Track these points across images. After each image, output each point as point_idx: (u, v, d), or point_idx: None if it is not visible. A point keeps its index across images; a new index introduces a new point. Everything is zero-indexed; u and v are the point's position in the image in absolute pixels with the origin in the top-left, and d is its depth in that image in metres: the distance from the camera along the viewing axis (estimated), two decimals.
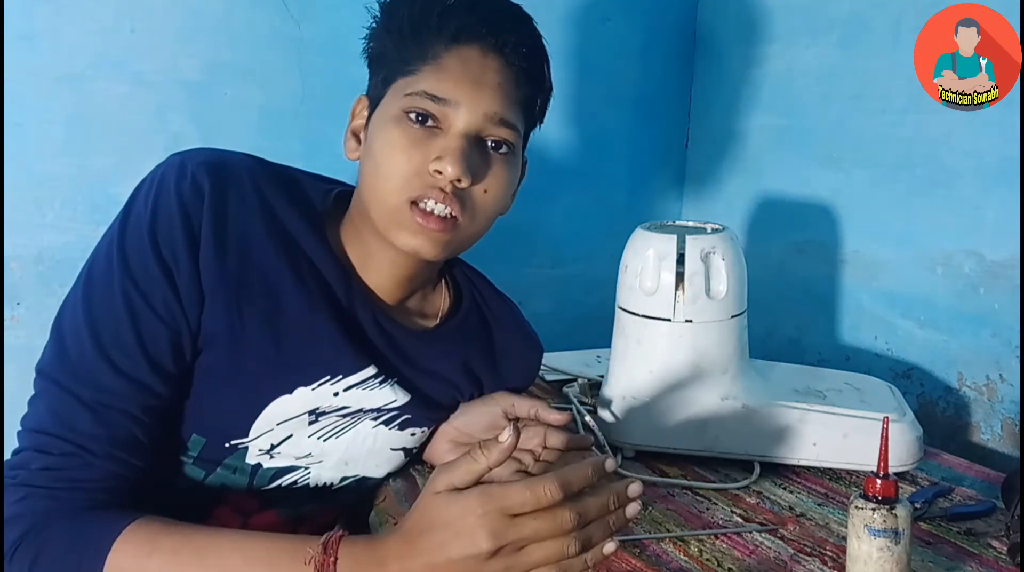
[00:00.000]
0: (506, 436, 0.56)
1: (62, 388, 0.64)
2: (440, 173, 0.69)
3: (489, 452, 0.56)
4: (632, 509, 0.58)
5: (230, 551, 0.61)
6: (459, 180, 0.69)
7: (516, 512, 0.54)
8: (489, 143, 0.72)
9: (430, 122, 0.70)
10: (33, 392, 0.66)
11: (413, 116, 0.70)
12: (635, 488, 0.59)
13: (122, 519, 0.62)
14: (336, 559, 0.58)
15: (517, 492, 0.54)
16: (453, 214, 0.70)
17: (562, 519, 0.55)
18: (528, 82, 0.74)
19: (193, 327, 0.68)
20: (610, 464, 0.58)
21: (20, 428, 0.65)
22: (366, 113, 0.76)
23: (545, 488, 0.54)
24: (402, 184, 0.69)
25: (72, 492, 0.62)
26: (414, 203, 0.70)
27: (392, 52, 0.73)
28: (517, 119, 0.73)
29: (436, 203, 0.69)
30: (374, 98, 0.75)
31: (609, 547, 0.58)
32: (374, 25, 0.76)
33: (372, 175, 0.71)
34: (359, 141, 0.76)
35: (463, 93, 0.70)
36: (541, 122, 0.81)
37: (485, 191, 0.72)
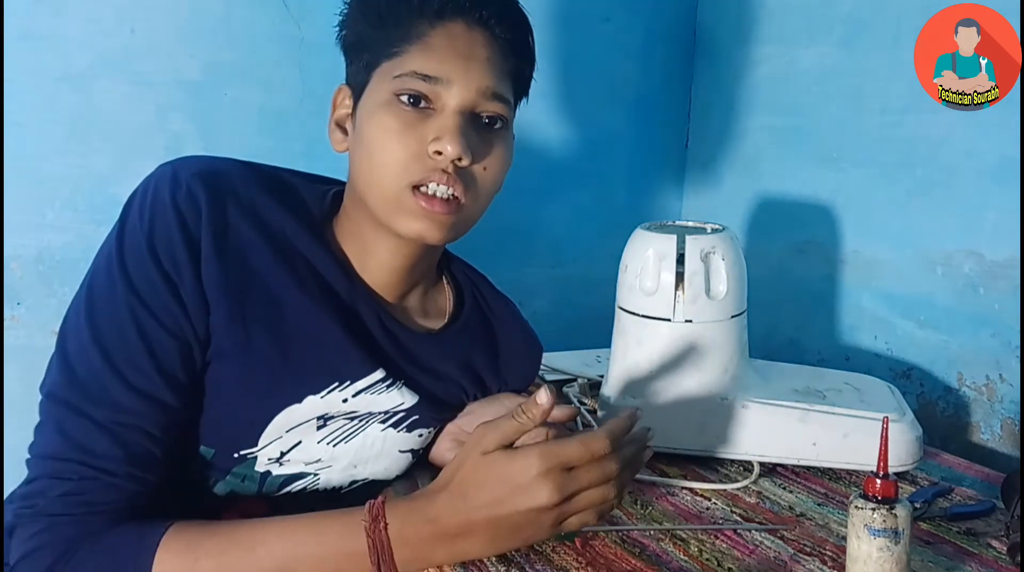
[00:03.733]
0: (544, 397, 0.60)
1: (74, 410, 0.62)
2: (440, 154, 0.67)
3: (533, 413, 0.61)
4: (648, 453, 0.66)
5: (276, 538, 0.61)
6: (460, 159, 0.67)
7: (573, 466, 0.59)
8: (484, 119, 0.71)
9: (423, 103, 0.69)
10: (40, 418, 0.64)
11: (405, 99, 0.68)
12: (650, 434, 0.66)
13: (156, 529, 0.61)
14: (386, 524, 0.61)
15: (574, 448, 0.59)
16: (456, 195, 0.69)
17: (609, 469, 0.60)
18: (515, 54, 0.73)
19: (201, 336, 0.67)
20: (640, 413, 0.66)
21: (29, 456, 0.64)
22: (350, 102, 0.74)
23: (598, 442, 0.60)
24: (401, 170, 0.68)
25: (96, 516, 0.61)
26: (416, 188, 0.68)
27: (372, 36, 0.71)
28: (508, 92, 0.72)
29: (439, 186, 0.68)
30: (356, 85, 0.73)
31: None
32: (347, 12, 0.75)
33: (366, 163, 0.70)
34: (345, 132, 0.75)
35: (454, 69, 0.68)
36: (527, 95, 0.80)
37: (485, 169, 0.71)
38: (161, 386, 0.65)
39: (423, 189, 0.68)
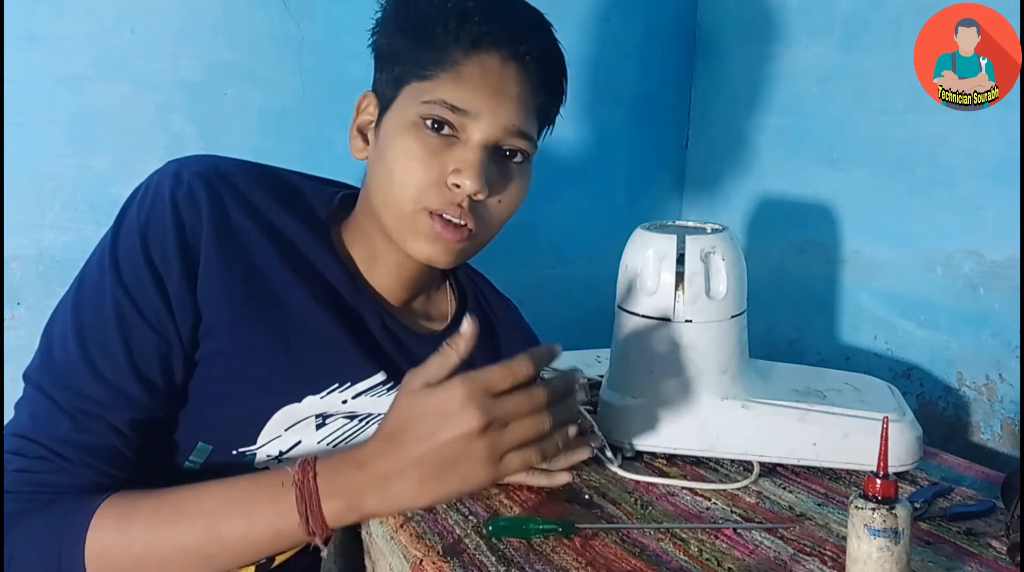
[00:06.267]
0: (467, 325, 0.60)
1: (43, 393, 0.63)
2: (458, 186, 0.68)
3: (457, 344, 0.60)
4: (580, 393, 0.64)
5: (207, 496, 0.61)
6: (477, 194, 0.68)
7: (497, 390, 0.58)
8: (505, 152, 0.72)
9: (446, 129, 0.69)
10: (20, 397, 0.65)
11: (430, 124, 0.69)
12: (578, 375, 0.65)
13: (95, 499, 0.61)
14: (315, 473, 0.59)
15: (496, 371, 0.59)
16: (467, 225, 0.70)
17: (536, 396, 0.59)
18: (545, 91, 0.74)
19: (185, 338, 0.67)
20: (558, 349, 0.64)
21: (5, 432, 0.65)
22: (375, 111, 0.74)
23: (519, 364, 0.59)
24: (418, 194, 0.69)
25: (44, 495, 0.61)
26: (431, 212, 0.69)
27: (405, 51, 0.71)
28: (533, 129, 0.73)
29: (452, 216, 0.69)
30: (384, 97, 0.73)
31: (572, 430, 0.62)
32: (381, 19, 0.74)
33: (385, 181, 0.70)
34: (366, 140, 0.75)
35: (483, 104, 0.68)
36: (552, 126, 0.80)
37: (500, 201, 0.72)
38: (131, 380, 0.65)
39: (438, 214, 0.70)
